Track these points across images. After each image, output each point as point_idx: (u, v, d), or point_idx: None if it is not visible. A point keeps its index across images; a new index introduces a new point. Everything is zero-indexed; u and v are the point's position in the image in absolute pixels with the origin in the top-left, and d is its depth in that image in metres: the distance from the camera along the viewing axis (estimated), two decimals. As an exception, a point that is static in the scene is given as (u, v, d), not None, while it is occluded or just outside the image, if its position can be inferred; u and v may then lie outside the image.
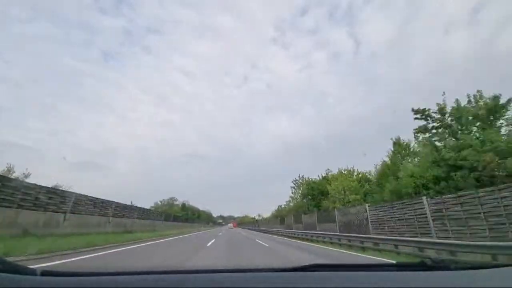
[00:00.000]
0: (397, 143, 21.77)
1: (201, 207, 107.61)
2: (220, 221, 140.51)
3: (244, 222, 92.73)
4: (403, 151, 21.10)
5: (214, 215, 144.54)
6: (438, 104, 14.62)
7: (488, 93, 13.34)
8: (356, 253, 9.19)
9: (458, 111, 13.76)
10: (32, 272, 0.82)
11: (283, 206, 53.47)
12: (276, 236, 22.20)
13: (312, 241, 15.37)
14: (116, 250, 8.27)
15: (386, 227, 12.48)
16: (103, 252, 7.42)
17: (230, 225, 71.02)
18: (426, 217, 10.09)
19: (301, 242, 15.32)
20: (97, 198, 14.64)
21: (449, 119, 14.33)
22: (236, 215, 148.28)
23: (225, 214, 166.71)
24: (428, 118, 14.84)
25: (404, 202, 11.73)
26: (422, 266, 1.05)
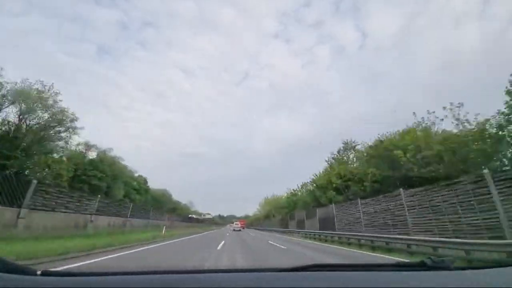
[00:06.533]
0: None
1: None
2: (204, 214, 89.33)
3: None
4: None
5: (207, 213, 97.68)
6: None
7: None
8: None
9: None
10: (32, 272, 0.85)
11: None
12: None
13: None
14: None
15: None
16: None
17: (236, 225, 44.16)
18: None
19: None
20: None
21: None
22: (238, 215, 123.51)
23: (225, 214, 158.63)
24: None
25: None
26: (422, 266, 1.09)
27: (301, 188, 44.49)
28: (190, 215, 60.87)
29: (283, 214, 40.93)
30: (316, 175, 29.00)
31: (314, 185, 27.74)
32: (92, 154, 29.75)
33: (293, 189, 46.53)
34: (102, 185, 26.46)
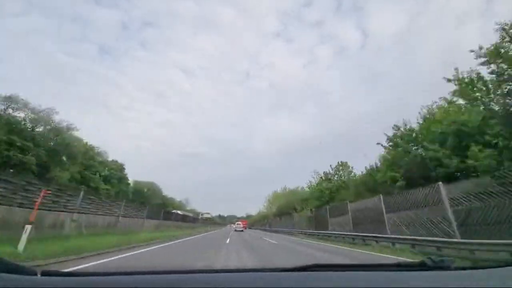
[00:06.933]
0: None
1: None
2: (203, 213, 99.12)
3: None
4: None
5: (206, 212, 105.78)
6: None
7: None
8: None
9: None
10: (32, 272, 0.99)
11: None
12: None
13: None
14: None
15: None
16: None
17: (238, 225, 49.79)
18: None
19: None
20: None
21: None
22: (239, 215, 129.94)
23: (226, 214, 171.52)
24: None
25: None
26: (422, 266, 1.21)
27: (339, 170, 37.27)
28: (173, 211, 47.74)
29: (312, 208, 33.01)
30: (399, 128, 19.13)
31: (402, 143, 18.45)
32: (20, 115, 22.25)
33: (324, 172, 39.16)
34: (27, 160, 20.52)
